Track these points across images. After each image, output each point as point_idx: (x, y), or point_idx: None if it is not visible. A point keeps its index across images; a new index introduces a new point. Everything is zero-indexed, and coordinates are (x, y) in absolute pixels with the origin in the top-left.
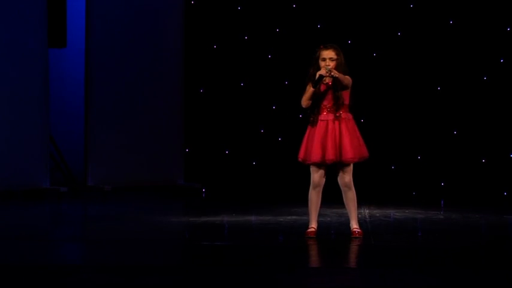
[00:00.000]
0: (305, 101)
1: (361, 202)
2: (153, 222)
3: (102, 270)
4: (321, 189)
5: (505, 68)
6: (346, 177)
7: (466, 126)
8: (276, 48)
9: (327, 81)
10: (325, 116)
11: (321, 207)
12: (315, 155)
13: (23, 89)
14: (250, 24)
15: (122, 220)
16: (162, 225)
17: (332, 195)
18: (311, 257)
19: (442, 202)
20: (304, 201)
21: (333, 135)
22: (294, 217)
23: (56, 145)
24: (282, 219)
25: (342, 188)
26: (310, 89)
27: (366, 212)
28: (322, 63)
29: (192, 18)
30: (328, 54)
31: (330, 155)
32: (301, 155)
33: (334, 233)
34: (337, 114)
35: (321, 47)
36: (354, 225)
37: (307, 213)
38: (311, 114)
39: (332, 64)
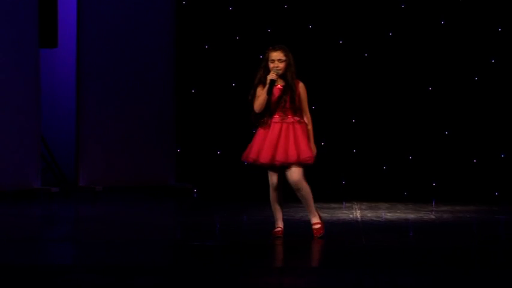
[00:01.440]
0: (258, 106)
1: (352, 202)
2: (144, 223)
3: (93, 270)
4: (279, 189)
5: (496, 68)
6: (294, 176)
7: (457, 127)
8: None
9: (278, 85)
10: (278, 118)
11: (283, 206)
12: (266, 156)
13: (13, 89)
14: (241, 24)
15: (113, 220)
16: (153, 226)
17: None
18: (303, 257)
19: (433, 202)
20: (295, 201)
21: (286, 138)
22: (285, 217)
23: (47, 145)
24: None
25: (293, 187)
26: (263, 95)
27: (358, 212)
28: (271, 65)
29: (184, 18)
30: (277, 55)
31: (280, 157)
32: (252, 155)
33: (326, 232)
34: (291, 118)
35: (270, 48)
36: (314, 220)
37: (273, 215)
38: (262, 116)
39: (281, 65)
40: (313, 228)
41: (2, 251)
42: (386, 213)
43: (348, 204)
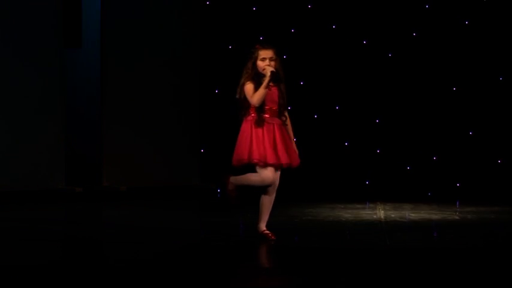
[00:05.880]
0: (259, 100)
1: (376, 202)
2: (167, 222)
3: (116, 269)
4: (275, 189)
5: None
6: (278, 179)
7: (481, 127)
8: (291, 49)
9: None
10: (270, 119)
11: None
12: (272, 157)
13: (38, 89)
14: (265, 24)
15: (137, 220)
16: (176, 225)
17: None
18: (327, 257)
19: (457, 203)
20: (319, 202)
21: (282, 140)
22: (309, 217)
23: (71, 145)
24: (297, 220)
25: (270, 189)
26: (263, 87)
27: (381, 212)
28: (261, 64)
29: (208, 18)
30: (268, 54)
31: (285, 159)
32: (256, 156)
33: (350, 232)
34: (283, 119)
35: (258, 46)
36: (264, 227)
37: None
38: (252, 114)
39: (273, 64)
40: (267, 234)
41: (25, 250)
42: (410, 214)
43: (371, 205)
